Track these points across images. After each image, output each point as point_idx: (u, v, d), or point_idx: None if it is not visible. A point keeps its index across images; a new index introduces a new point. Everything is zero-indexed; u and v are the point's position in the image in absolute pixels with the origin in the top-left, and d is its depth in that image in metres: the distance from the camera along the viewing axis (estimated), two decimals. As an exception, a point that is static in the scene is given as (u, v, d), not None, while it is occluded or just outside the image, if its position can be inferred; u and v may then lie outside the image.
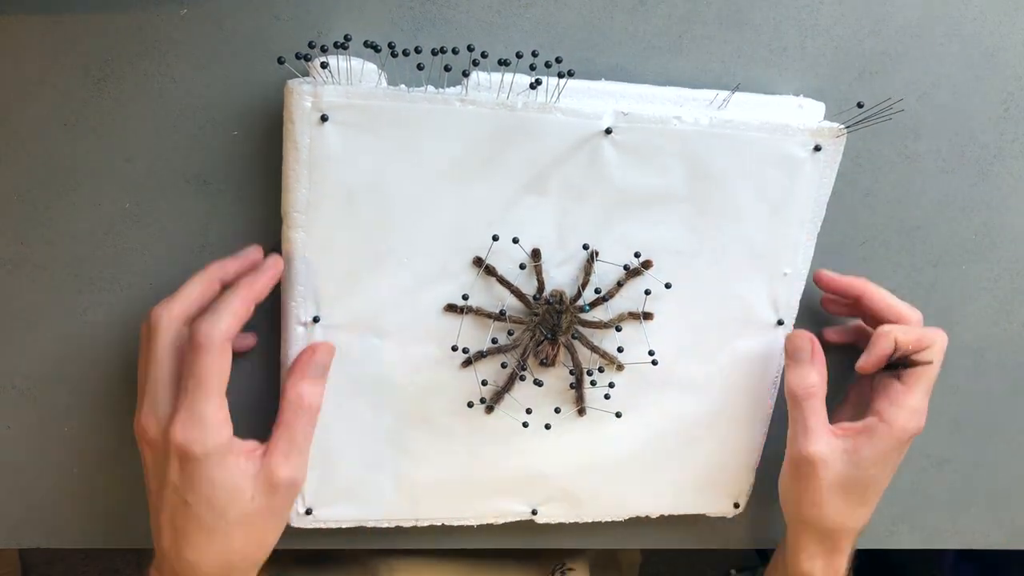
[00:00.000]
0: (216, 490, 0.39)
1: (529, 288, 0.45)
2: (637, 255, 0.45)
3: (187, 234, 0.45)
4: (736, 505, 0.54)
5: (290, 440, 0.41)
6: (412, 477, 0.48)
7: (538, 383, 0.46)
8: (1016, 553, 0.64)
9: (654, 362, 0.47)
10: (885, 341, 0.46)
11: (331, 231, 0.42)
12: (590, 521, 0.52)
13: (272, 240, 0.45)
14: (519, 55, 0.41)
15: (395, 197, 0.42)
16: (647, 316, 0.47)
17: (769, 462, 0.54)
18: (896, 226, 0.51)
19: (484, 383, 0.46)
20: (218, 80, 0.43)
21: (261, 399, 0.49)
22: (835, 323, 0.53)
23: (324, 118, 0.40)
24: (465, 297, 0.45)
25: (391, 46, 0.40)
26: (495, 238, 0.43)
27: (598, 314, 0.46)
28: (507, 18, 0.43)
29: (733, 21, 0.45)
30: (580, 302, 0.45)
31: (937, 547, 0.60)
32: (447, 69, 0.41)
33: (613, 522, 0.53)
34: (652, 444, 0.50)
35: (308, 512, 0.49)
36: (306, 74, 0.40)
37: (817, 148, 0.44)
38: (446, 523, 0.51)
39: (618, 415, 0.48)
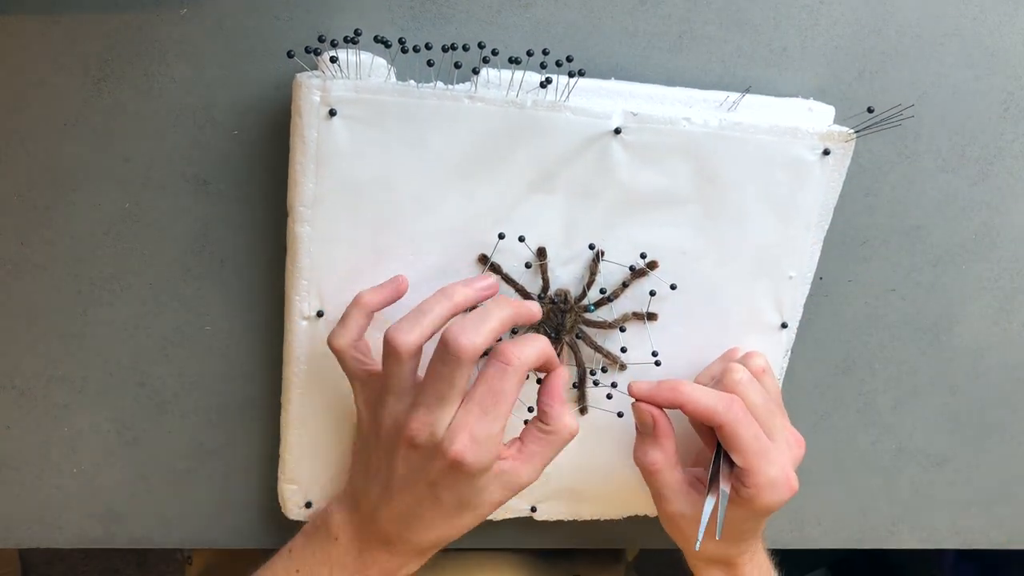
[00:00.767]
0: (476, 494, 0.41)
1: (534, 287, 0.45)
2: (643, 256, 0.45)
3: (187, 234, 0.45)
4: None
5: (542, 456, 0.43)
6: None
7: (540, 381, 0.46)
8: (1016, 553, 0.64)
9: (657, 363, 0.47)
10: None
11: (337, 226, 0.42)
12: (589, 518, 0.52)
13: (272, 239, 0.45)
14: (530, 53, 0.41)
15: (402, 193, 0.42)
16: (651, 317, 0.47)
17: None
18: (896, 226, 0.51)
19: None
20: (218, 80, 0.43)
21: (263, 394, 0.49)
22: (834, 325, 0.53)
23: (332, 112, 0.40)
24: None
25: (401, 41, 0.40)
26: (501, 236, 0.44)
27: (602, 314, 0.46)
28: (507, 18, 0.43)
29: (733, 21, 0.45)
30: (585, 302, 0.45)
31: (937, 547, 0.60)
32: (457, 66, 0.41)
33: (613, 521, 0.53)
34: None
35: (308, 505, 0.48)
36: (315, 68, 0.40)
37: (826, 152, 0.44)
38: None
39: (620, 415, 0.48)
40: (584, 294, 0.45)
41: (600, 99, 0.43)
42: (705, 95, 0.44)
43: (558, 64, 0.42)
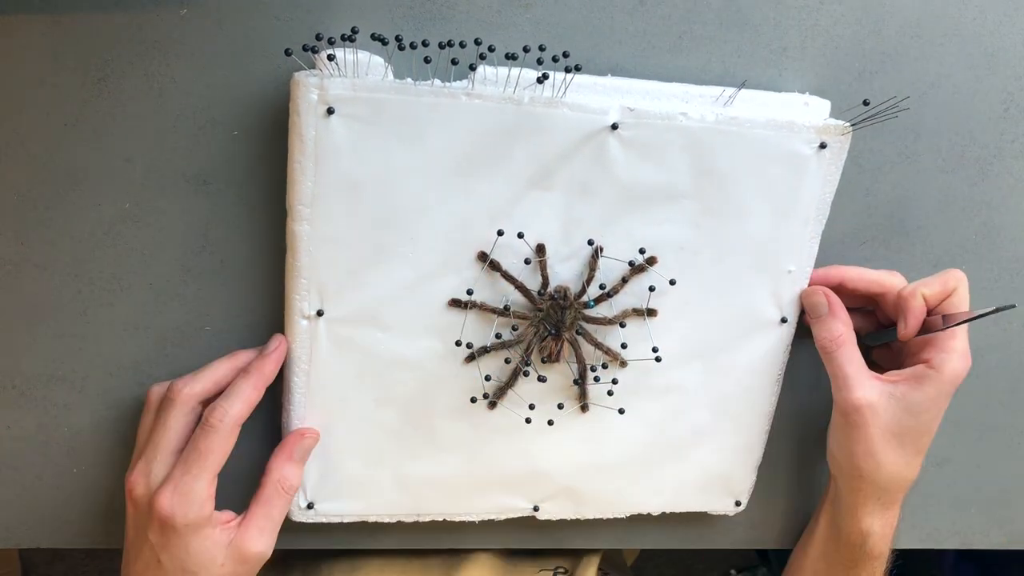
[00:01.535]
0: (190, 557, 0.42)
1: (533, 284, 0.45)
2: (642, 251, 0.45)
3: (187, 234, 0.45)
4: (738, 503, 0.54)
5: (267, 517, 0.44)
6: (413, 472, 0.48)
7: (542, 379, 0.46)
8: (1016, 553, 0.64)
9: (657, 359, 0.47)
10: (914, 300, 0.46)
11: (335, 224, 0.42)
12: (591, 518, 0.52)
13: (272, 239, 0.45)
14: (526, 49, 0.41)
15: (400, 191, 0.42)
16: (651, 313, 0.47)
17: (769, 462, 0.54)
18: (896, 226, 0.51)
19: (488, 378, 0.46)
20: (218, 80, 0.43)
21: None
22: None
23: (330, 111, 0.40)
24: (470, 292, 0.45)
25: (398, 39, 0.40)
26: (500, 233, 0.43)
27: (602, 310, 0.46)
28: (507, 17, 0.43)
29: (733, 21, 0.45)
30: (584, 298, 0.45)
31: (937, 547, 0.60)
32: (454, 63, 0.41)
33: (614, 521, 0.53)
34: (654, 441, 0.50)
35: (310, 506, 0.49)
36: (312, 67, 0.40)
37: (823, 146, 0.44)
38: (447, 519, 0.51)
39: (621, 411, 0.48)
40: (584, 290, 0.45)
41: (597, 95, 0.43)
42: (701, 90, 0.44)
43: (555, 60, 0.42)
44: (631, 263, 0.45)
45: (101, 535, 0.52)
